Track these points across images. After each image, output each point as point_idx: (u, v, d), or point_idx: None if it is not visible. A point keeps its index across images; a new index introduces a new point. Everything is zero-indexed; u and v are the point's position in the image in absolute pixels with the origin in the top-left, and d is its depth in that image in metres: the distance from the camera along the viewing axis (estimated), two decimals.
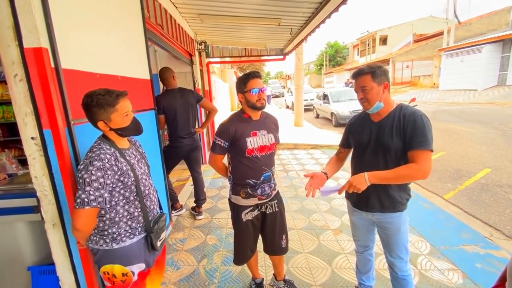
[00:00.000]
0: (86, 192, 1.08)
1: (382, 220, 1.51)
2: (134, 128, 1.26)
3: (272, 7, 3.33)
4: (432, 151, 1.31)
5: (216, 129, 1.65)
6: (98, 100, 1.14)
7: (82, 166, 1.11)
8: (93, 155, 1.13)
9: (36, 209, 1.48)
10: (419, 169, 1.28)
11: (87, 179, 1.08)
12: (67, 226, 1.35)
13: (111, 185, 1.15)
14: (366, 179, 1.33)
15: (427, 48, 22.18)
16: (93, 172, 1.09)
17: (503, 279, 0.90)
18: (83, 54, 1.50)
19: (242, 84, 1.57)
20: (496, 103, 12.35)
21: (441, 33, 20.37)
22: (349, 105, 9.86)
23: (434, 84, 20.33)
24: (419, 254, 2.39)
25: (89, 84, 1.51)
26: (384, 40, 29.23)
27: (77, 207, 1.09)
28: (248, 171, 1.61)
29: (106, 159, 1.13)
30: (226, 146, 1.59)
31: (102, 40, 1.69)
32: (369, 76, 1.38)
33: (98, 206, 1.11)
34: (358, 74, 1.42)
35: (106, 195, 1.13)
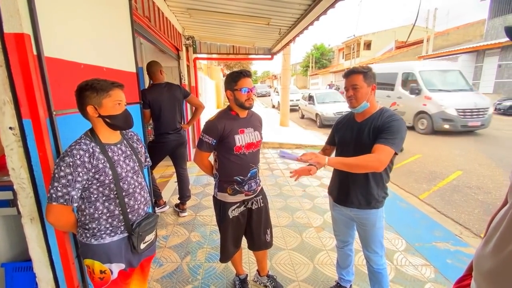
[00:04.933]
0: (54, 188, 1.06)
1: (360, 216, 1.59)
2: (124, 120, 1.23)
3: (262, 6, 3.35)
4: (395, 153, 1.36)
5: (201, 125, 1.64)
6: (93, 84, 1.13)
7: (56, 161, 1.10)
8: (68, 150, 1.10)
9: (12, 202, 1.41)
10: (376, 157, 1.31)
11: (56, 175, 1.06)
12: (46, 221, 1.30)
13: (84, 182, 1.12)
14: (325, 162, 1.41)
15: (407, 55, 23.06)
16: (62, 168, 1.06)
17: (470, 269, 0.97)
18: (68, 43, 1.44)
19: (232, 81, 1.58)
20: None
21: (421, 41, 21.30)
22: (333, 107, 10.11)
23: None
24: (396, 250, 2.51)
25: (73, 74, 1.45)
26: (368, 45, 30.10)
27: (47, 201, 1.08)
28: (236, 168, 1.62)
29: (78, 156, 1.09)
30: (213, 144, 1.59)
31: (87, 29, 1.64)
32: (361, 76, 1.44)
33: (65, 203, 1.07)
34: (351, 72, 1.48)
35: (73, 193, 1.08)
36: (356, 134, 1.52)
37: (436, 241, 2.69)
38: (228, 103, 1.69)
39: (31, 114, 1.20)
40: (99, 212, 1.19)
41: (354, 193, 1.55)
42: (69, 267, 1.38)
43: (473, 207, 3.57)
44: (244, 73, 1.57)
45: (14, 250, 1.58)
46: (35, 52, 1.19)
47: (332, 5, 2.91)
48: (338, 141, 1.67)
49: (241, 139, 1.60)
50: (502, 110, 11.25)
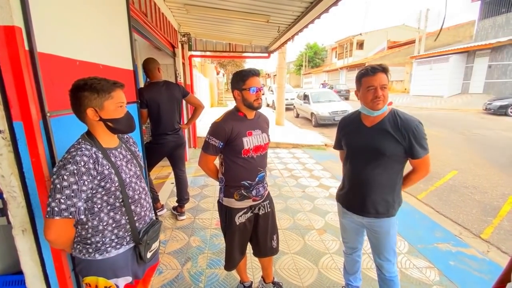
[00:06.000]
0: (57, 201, 0.95)
1: (374, 223, 1.53)
2: (127, 123, 1.13)
3: (262, 3, 3.26)
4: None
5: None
6: (93, 84, 1.02)
7: (55, 169, 0.98)
8: (68, 156, 0.99)
9: (1, 212, 1.29)
10: (425, 170, 1.46)
11: (58, 186, 0.95)
12: (39, 232, 1.19)
13: (88, 191, 1.02)
14: None
15: (399, 55, 23.39)
16: (65, 177, 0.95)
17: (501, 282, 0.93)
18: (62, 38, 1.32)
19: (241, 80, 1.49)
20: (460, 110, 13.40)
21: (413, 41, 21.61)
22: (328, 106, 10.12)
23: (405, 89, 21.56)
24: (399, 253, 2.48)
25: (67, 71, 1.34)
26: (361, 45, 30.37)
27: (47, 216, 0.96)
28: (243, 172, 1.54)
29: (82, 162, 0.99)
30: (220, 147, 1.51)
31: (83, 24, 1.52)
32: (386, 76, 1.36)
33: (70, 216, 0.97)
34: (379, 70, 1.34)
35: (79, 204, 0.99)
36: (369, 140, 1.43)
37: (437, 242, 2.68)
38: (235, 104, 1.60)
39: (22, 116, 1.09)
40: (104, 224, 1.09)
41: (370, 202, 1.47)
42: (65, 282, 1.27)
43: (470, 207, 3.59)
44: (253, 72, 1.49)
45: (5, 262, 1.46)
46: (27, 47, 1.08)
47: (335, 3, 2.85)
48: (348, 147, 1.57)
49: (249, 141, 1.52)
50: (492, 110, 11.51)
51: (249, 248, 1.80)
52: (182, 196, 3.01)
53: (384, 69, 1.35)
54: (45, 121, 1.17)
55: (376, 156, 1.41)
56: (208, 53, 7.75)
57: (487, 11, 16.28)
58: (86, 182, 0.99)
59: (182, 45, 5.04)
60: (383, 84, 1.34)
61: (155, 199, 3.04)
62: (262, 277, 1.96)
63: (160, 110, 2.68)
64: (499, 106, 11.26)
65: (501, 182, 4.40)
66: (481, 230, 3.03)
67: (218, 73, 21.07)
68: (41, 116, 1.15)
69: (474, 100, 14.35)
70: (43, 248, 1.21)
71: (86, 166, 0.99)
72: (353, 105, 11.03)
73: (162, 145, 2.78)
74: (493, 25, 15.90)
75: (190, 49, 5.66)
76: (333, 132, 9.34)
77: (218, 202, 1.67)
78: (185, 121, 4.21)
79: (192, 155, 5.63)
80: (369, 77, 1.36)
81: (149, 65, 2.69)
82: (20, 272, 1.26)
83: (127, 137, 1.32)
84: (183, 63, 5.26)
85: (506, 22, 15.07)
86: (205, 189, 3.93)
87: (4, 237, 1.42)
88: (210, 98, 16.16)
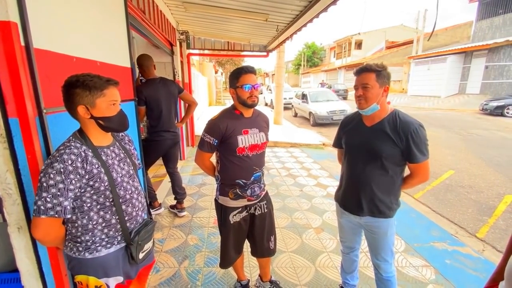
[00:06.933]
0: (43, 199, 0.94)
1: (371, 224, 1.52)
2: (119, 122, 1.11)
3: (261, 1, 3.25)
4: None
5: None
6: (85, 81, 1.00)
7: (42, 167, 0.97)
8: (56, 154, 0.98)
9: None
10: (424, 177, 1.44)
11: (44, 184, 0.94)
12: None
13: (76, 190, 1.00)
14: None
15: (397, 55, 23.47)
16: (51, 175, 0.94)
17: (494, 281, 0.94)
18: (59, 34, 1.31)
19: (234, 78, 1.49)
20: (457, 110, 13.49)
21: (411, 42, 21.69)
22: (326, 106, 10.15)
23: (403, 89, 21.64)
24: (396, 251, 2.49)
25: (64, 68, 1.33)
26: (359, 45, 30.42)
27: (33, 215, 0.95)
28: (238, 171, 1.54)
29: (70, 161, 0.97)
30: (215, 144, 1.51)
31: (80, 20, 1.51)
32: (374, 75, 1.34)
33: (56, 216, 0.96)
34: (363, 70, 1.37)
35: (66, 203, 0.97)
36: (366, 140, 1.43)
37: (433, 241, 2.70)
38: (230, 101, 1.60)
39: (18, 113, 1.07)
40: (94, 223, 1.07)
41: (366, 202, 1.47)
42: (61, 280, 1.27)
43: (466, 207, 3.61)
44: (246, 69, 1.48)
45: (0, 259, 1.44)
46: (22, 43, 1.06)
47: (333, 2, 2.84)
48: (346, 146, 1.58)
49: (245, 140, 1.51)
50: (489, 111, 11.59)
51: (246, 246, 1.80)
52: (176, 191, 2.99)
53: (368, 69, 1.35)
54: (41, 117, 1.16)
55: (373, 156, 1.41)
56: (206, 52, 7.72)
57: (485, 12, 16.36)
58: (73, 181, 0.98)
59: (180, 43, 5.02)
60: (364, 83, 1.36)
61: (152, 197, 3.03)
62: (259, 275, 1.97)
63: (160, 107, 2.67)
64: (495, 107, 11.35)
65: (496, 181, 4.44)
66: (476, 229, 3.06)
67: (216, 72, 21.03)
68: (37, 113, 1.14)
69: (471, 101, 14.45)
70: (39, 245, 1.20)
71: (74, 165, 0.98)
72: (351, 105, 11.06)
73: (159, 142, 2.77)
74: (490, 26, 15.99)
75: (188, 47, 5.63)
76: (331, 131, 9.38)
77: (215, 200, 1.67)
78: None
79: (190, 154, 5.62)
80: (355, 76, 1.42)
81: (145, 62, 2.68)
82: (16, 270, 1.25)
83: (122, 135, 1.30)
84: (181, 61, 5.24)
85: (503, 23, 15.16)
86: (203, 187, 3.93)
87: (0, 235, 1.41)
88: (208, 96, 16.14)
